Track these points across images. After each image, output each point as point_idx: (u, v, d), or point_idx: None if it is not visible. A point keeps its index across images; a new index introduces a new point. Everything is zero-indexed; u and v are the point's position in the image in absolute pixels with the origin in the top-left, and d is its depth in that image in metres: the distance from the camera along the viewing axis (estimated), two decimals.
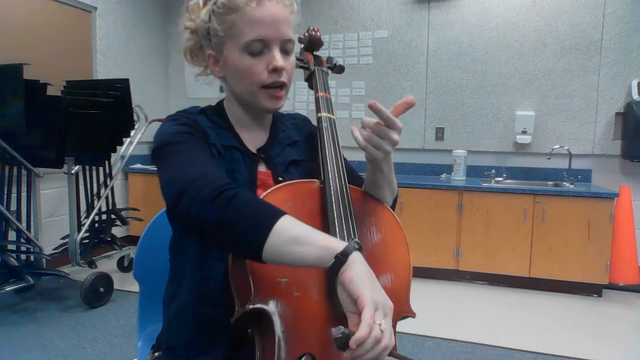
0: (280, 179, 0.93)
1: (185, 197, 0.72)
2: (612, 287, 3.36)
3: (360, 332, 0.60)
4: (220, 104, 0.98)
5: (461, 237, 3.48)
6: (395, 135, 0.83)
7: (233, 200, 0.70)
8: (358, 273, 0.66)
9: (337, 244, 0.68)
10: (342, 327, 0.63)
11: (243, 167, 0.91)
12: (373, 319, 0.62)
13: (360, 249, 0.70)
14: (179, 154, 0.80)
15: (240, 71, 0.87)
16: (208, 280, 0.87)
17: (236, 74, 0.89)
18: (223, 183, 0.72)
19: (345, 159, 1.05)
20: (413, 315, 0.89)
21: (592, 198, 3.19)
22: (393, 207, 1.00)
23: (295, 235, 0.68)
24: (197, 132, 0.87)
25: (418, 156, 4.13)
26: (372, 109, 0.81)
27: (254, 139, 0.97)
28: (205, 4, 0.89)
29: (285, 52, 0.89)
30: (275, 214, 0.69)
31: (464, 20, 3.89)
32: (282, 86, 0.88)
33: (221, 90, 1.02)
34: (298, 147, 1.02)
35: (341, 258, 0.67)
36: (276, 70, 0.86)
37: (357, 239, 0.71)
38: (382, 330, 0.62)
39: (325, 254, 0.67)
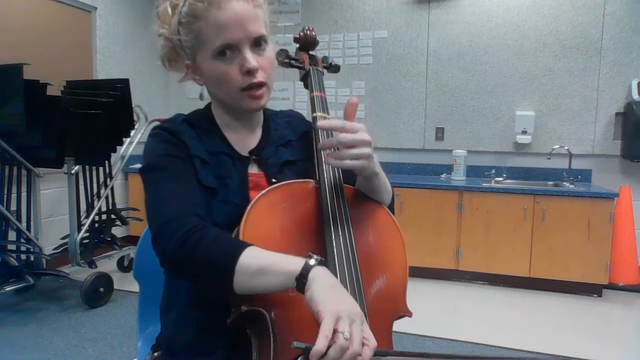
0: (273, 180, 0.92)
1: (158, 241, 0.78)
2: (612, 287, 3.36)
3: (317, 346, 0.61)
4: (208, 107, 0.97)
5: (461, 237, 3.48)
6: (364, 136, 0.80)
7: (197, 247, 0.74)
8: (317, 289, 0.67)
9: (295, 266, 0.70)
10: (303, 342, 0.63)
11: (233, 171, 0.90)
12: (332, 330, 0.62)
13: (321, 263, 0.71)
14: (157, 184, 0.84)
15: (216, 78, 0.86)
16: None
17: (212, 81, 0.88)
18: (190, 227, 0.76)
19: None
20: (410, 314, 0.89)
21: (592, 198, 3.19)
22: (392, 207, 0.99)
23: (258, 268, 0.71)
24: (178, 151, 0.86)
25: (418, 156, 4.13)
26: (322, 128, 0.83)
27: (244, 140, 0.95)
28: (173, 11, 0.86)
29: (258, 48, 0.86)
30: (235, 253, 0.73)
31: (464, 20, 3.89)
32: (261, 85, 0.86)
33: (201, 97, 1.01)
34: (292, 146, 1.00)
35: (301, 279, 0.69)
36: (250, 72, 0.84)
37: (316, 256, 0.71)
38: (346, 339, 0.62)
39: (288, 279, 0.70)
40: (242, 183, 0.90)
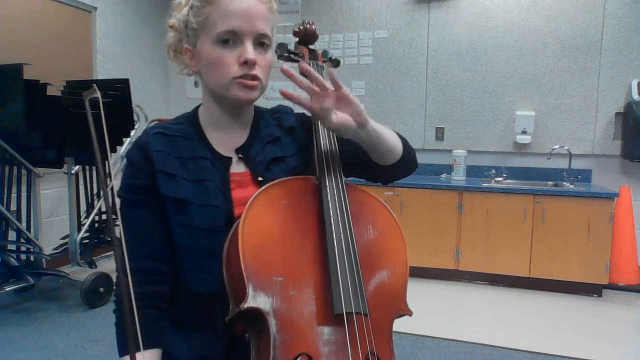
0: (260, 178, 0.91)
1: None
2: (612, 287, 3.36)
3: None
4: (195, 110, 0.97)
5: (461, 237, 3.48)
6: (328, 103, 0.83)
7: (117, 314, 0.96)
8: None
9: None
10: None
11: (213, 174, 0.90)
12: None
13: None
14: (123, 221, 0.89)
15: (212, 62, 0.86)
16: (198, 291, 0.89)
17: (208, 66, 0.87)
18: (120, 292, 0.91)
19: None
20: (410, 313, 0.89)
21: (592, 198, 3.19)
22: (409, 156, 1.01)
23: None
24: (141, 175, 0.88)
25: (418, 156, 4.03)
26: (285, 96, 0.80)
27: (232, 139, 0.94)
28: (187, 1, 0.88)
29: (260, 47, 0.87)
30: (121, 350, 0.90)
31: (464, 20, 3.89)
32: (255, 78, 0.86)
33: (196, 85, 1.00)
34: (280, 143, 0.98)
35: None
36: (247, 63, 0.84)
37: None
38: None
39: None
40: (224, 185, 0.90)
